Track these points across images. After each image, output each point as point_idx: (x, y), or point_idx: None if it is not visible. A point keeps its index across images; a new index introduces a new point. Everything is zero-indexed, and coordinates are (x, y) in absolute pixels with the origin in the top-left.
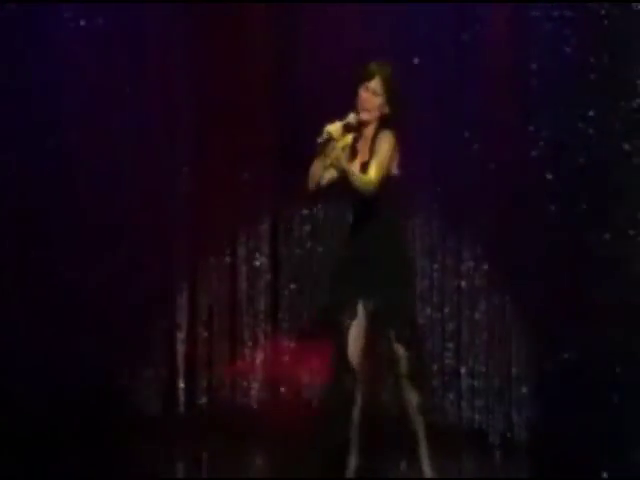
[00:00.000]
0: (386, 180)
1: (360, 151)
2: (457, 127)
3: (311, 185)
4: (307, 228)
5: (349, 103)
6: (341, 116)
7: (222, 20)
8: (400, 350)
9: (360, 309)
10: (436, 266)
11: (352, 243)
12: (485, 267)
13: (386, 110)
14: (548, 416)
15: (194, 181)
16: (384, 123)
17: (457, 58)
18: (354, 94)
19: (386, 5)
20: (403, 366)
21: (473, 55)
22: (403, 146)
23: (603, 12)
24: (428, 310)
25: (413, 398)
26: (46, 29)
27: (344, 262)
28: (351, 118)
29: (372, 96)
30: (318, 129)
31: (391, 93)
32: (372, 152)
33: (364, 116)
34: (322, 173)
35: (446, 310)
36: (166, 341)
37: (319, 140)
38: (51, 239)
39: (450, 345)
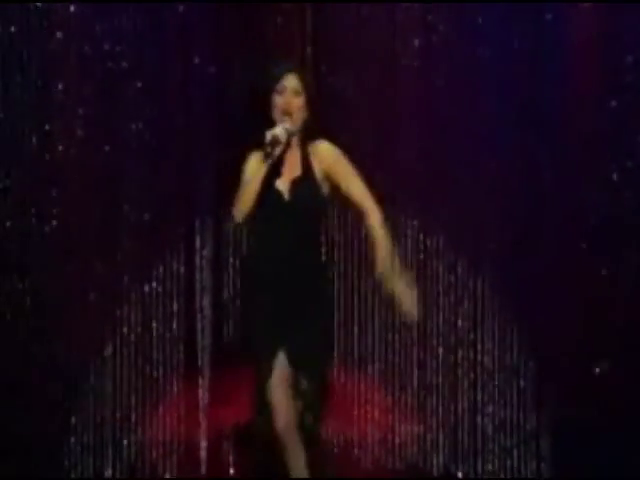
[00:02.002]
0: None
1: (287, 166)
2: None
3: (241, 214)
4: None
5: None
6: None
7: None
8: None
9: (280, 361)
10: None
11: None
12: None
13: (306, 113)
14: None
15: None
16: (307, 130)
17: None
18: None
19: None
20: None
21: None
22: None
23: None
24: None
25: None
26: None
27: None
28: (288, 124)
29: (293, 97)
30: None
31: (311, 92)
32: (306, 167)
33: (293, 124)
34: (254, 196)
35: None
36: None
37: (268, 148)
38: None
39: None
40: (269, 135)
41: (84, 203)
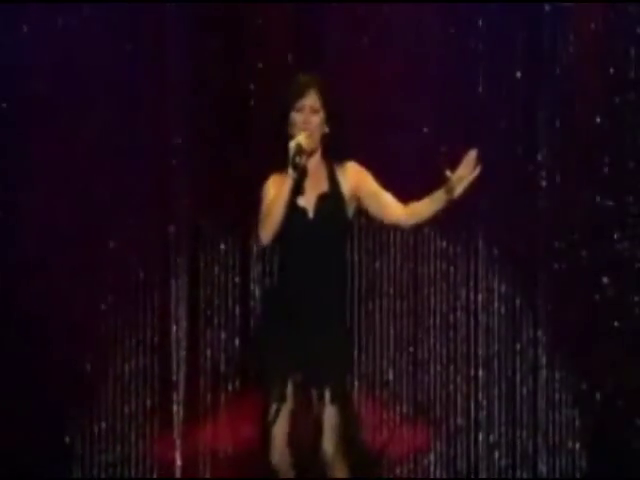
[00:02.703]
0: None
1: (311, 182)
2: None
3: (268, 235)
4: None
5: None
6: None
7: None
8: (333, 412)
9: (290, 388)
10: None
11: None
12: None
13: (325, 130)
14: None
15: None
16: (329, 146)
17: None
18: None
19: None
20: (335, 431)
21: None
22: None
23: None
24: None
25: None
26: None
27: (278, 320)
28: (306, 135)
29: (311, 115)
30: None
31: (331, 107)
32: (333, 183)
33: (310, 143)
34: (282, 214)
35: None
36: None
37: (295, 157)
38: None
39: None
40: (293, 145)
41: (52, 210)
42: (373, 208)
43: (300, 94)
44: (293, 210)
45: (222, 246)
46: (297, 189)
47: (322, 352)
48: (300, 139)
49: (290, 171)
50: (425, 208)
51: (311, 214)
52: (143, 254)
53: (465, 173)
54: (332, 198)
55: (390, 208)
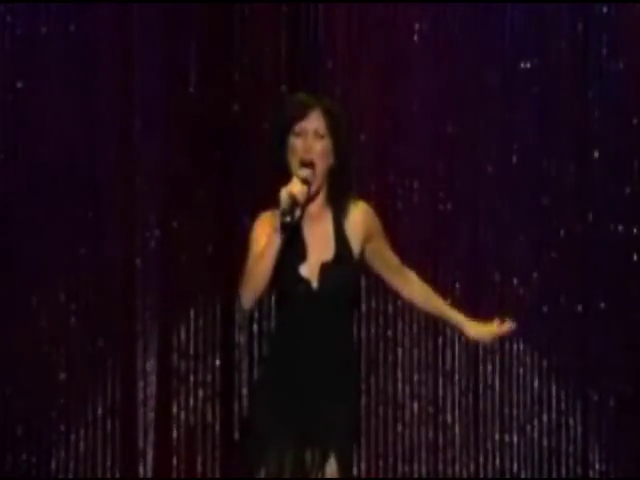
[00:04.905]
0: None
1: (314, 238)
2: None
3: (252, 297)
4: None
5: None
6: None
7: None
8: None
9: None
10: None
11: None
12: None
13: (331, 160)
14: None
15: None
16: (334, 184)
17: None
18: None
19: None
20: None
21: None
22: None
23: None
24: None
25: None
26: None
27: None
28: (306, 174)
29: (315, 140)
30: None
31: (339, 133)
32: (341, 240)
33: (310, 174)
34: (268, 275)
35: None
36: None
37: (285, 215)
38: None
39: None
40: (285, 195)
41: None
42: (375, 264)
43: (301, 115)
44: (293, 278)
45: (200, 286)
46: (297, 245)
47: (326, 416)
48: (293, 188)
49: (278, 226)
50: (439, 312)
51: (315, 284)
52: (103, 293)
53: (493, 335)
54: (340, 262)
55: (395, 275)
